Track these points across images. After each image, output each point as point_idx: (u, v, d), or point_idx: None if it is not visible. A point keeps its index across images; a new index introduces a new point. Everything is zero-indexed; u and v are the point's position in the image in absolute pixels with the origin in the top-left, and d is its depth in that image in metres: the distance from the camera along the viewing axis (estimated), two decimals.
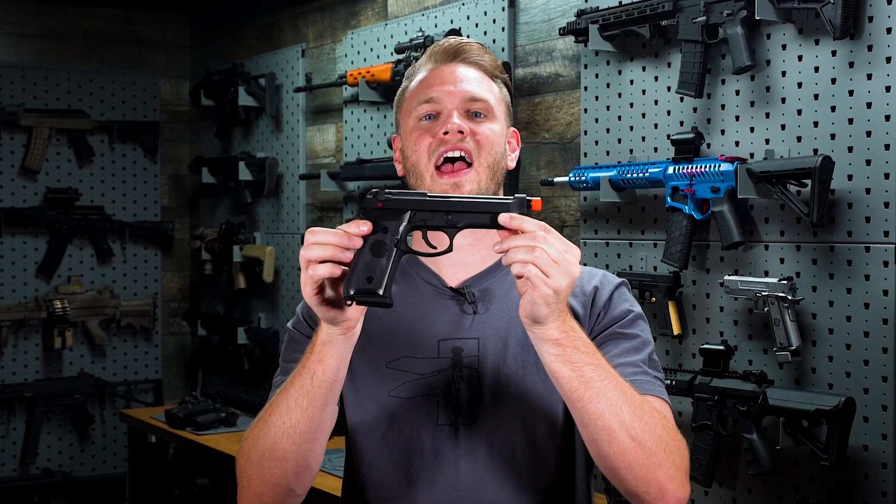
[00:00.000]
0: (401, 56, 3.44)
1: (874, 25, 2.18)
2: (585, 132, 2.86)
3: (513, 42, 3.15)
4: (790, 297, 2.29)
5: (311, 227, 1.41)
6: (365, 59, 3.72)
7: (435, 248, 1.46)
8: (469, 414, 1.58)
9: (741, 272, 2.46)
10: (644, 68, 2.70)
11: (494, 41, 3.16)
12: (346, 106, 3.85)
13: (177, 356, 5.11)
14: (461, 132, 1.59)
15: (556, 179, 2.83)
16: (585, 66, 2.86)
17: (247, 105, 4.35)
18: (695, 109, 2.57)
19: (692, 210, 2.49)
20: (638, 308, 1.63)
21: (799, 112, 2.33)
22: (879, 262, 2.18)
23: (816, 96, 2.29)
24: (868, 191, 2.20)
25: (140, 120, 4.86)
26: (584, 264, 1.70)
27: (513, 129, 1.70)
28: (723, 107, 2.51)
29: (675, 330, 2.59)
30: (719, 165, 2.40)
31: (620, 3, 2.68)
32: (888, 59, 2.15)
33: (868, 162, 2.19)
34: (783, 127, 2.37)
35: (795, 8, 2.27)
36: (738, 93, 2.47)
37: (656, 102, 2.67)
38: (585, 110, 2.85)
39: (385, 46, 3.63)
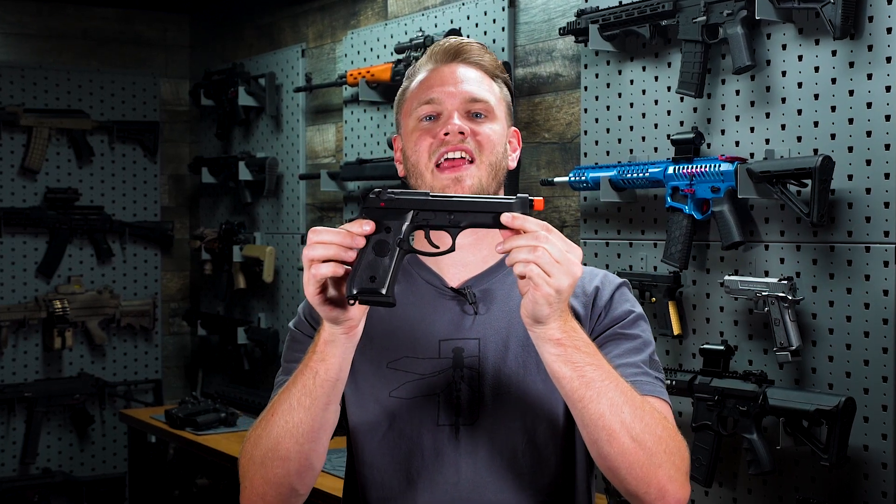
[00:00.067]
0: (401, 56, 3.44)
1: (874, 25, 2.18)
2: (585, 132, 2.86)
3: (513, 42, 3.15)
4: (790, 297, 2.29)
5: (314, 227, 1.41)
6: (365, 59, 3.72)
7: (437, 247, 1.46)
8: (470, 414, 1.58)
9: (741, 272, 2.46)
10: (644, 68, 2.70)
11: (494, 41, 3.16)
12: (345, 106, 3.85)
13: (177, 356, 5.11)
14: (462, 133, 1.59)
15: (556, 179, 2.83)
16: (585, 66, 2.86)
17: (247, 105, 4.35)
18: (695, 109, 2.57)
19: (692, 210, 2.49)
20: (639, 308, 1.63)
21: (799, 112, 2.33)
22: (879, 262, 2.18)
23: (817, 96, 2.29)
24: (868, 191, 2.20)
25: (140, 120, 4.86)
26: (585, 264, 1.70)
27: (513, 128, 1.71)
28: (723, 107, 2.51)
29: (675, 330, 2.59)
30: (719, 165, 2.40)
31: (620, 2, 2.68)
32: (888, 59, 2.15)
33: (868, 162, 2.19)
34: (783, 127, 2.37)
35: (795, 8, 2.27)
36: (738, 93, 2.47)
37: (656, 102, 2.67)
38: (585, 110, 2.85)
39: (385, 46, 3.63)
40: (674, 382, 2.45)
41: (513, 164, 1.68)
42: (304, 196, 4.18)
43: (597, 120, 2.82)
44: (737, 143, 2.47)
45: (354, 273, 1.38)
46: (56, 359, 4.71)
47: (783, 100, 2.37)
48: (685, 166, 2.48)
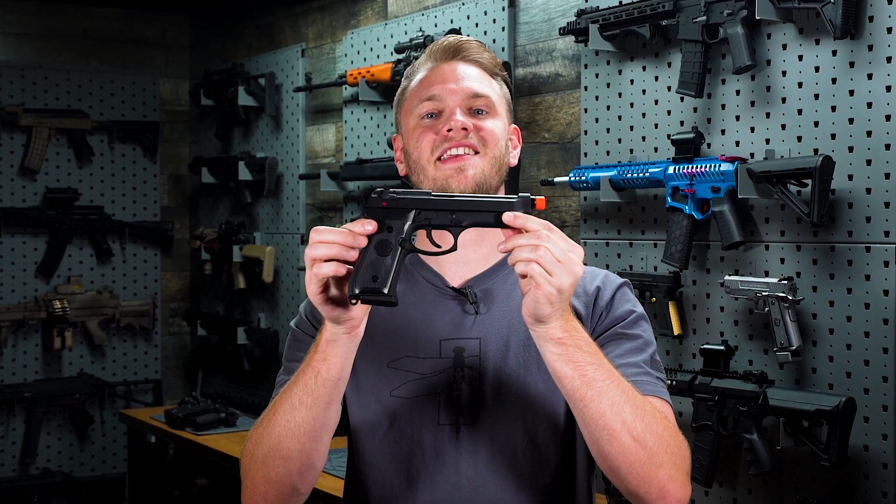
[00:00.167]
0: (401, 56, 3.44)
1: (875, 25, 2.18)
2: (585, 132, 2.86)
3: (513, 42, 3.15)
4: (790, 297, 2.29)
5: (316, 226, 1.41)
6: (365, 59, 3.72)
7: (439, 246, 1.46)
8: (470, 414, 1.58)
9: (741, 272, 2.46)
10: (644, 68, 2.70)
11: (494, 41, 3.16)
12: (345, 106, 3.85)
13: (176, 356, 5.11)
14: (465, 129, 1.59)
15: (557, 179, 2.83)
16: (585, 66, 2.86)
17: (246, 105, 4.35)
18: (695, 109, 2.57)
19: (692, 210, 2.49)
20: (640, 308, 1.63)
21: (799, 112, 2.33)
22: (880, 262, 2.18)
23: (817, 96, 2.29)
24: (868, 191, 2.20)
25: (140, 120, 4.86)
26: (586, 264, 1.70)
27: (514, 126, 1.71)
28: (723, 107, 2.51)
29: (676, 330, 2.59)
30: (719, 165, 2.40)
31: (620, 2, 2.68)
32: (889, 59, 2.15)
33: (868, 162, 2.19)
34: (783, 127, 2.37)
35: (796, 8, 2.27)
36: (738, 92, 2.47)
37: (656, 102, 2.67)
38: (585, 110, 2.85)
39: (385, 46, 3.63)
40: (674, 382, 2.45)
41: (514, 161, 1.68)
42: (304, 196, 4.18)
43: (597, 120, 2.82)
44: (737, 143, 2.47)
45: (356, 272, 1.38)
46: (56, 359, 4.71)
47: (783, 100, 2.37)
48: (685, 166, 2.48)
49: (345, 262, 1.39)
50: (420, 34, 3.38)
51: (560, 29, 2.84)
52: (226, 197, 4.69)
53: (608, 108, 2.79)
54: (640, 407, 1.43)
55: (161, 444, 4.19)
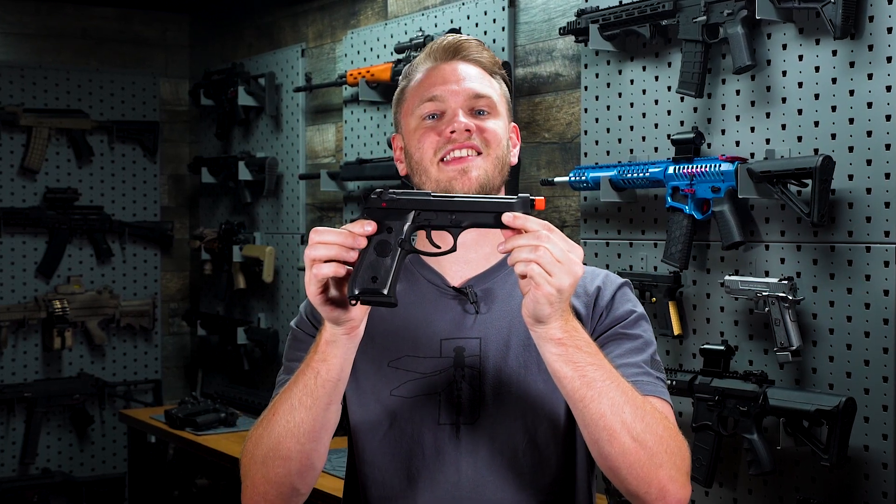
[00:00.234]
0: (401, 56, 3.44)
1: (875, 25, 2.18)
2: (585, 132, 2.86)
3: (513, 42, 3.15)
4: (791, 298, 2.29)
5: (315, 227, 1.41)
6: (365, 59, 3.72)
7: (439, 247, 1.46)
8: (470, 413, 1.58)
9: (742, 272, 2.46)
10: (644, 68, 2.70)
11: (494, 41, 3.16)
12: (345, 106, 3.85)
13: (176, 356, 5.10)
14: (468, 130, 1.59)
15: (557, 179, 2.83)
16: (585, 66, 2.86)
17: (246, 105, 4.35)
18: (695, 109, 2.57)
19: (692, 210, 2.49)
20: (641, 308, 1.63)
21: (799, 112, 2.33)
22: (880, 262, 2.18)
23: (817, 96, 2.29)
24: (869, 191, 2.20)
25: (139, 120, 4.86)
26: (586, 264, 1.70)
27: (513, 124, 1.70)
28: (723, 106, 2.51)
29: (676, 330, 2.59)
30: (720, 165, 2.40)
31: (621, 2, 2.68)
32: (889, 59, 2.15)
33: (869, 162, 2.19)
34: (784, 127, 2.37)
35: (796, 7, 2.27)
36: (738, 92, 2.47)
37: (657, 102, 2.67)
38: (586, 110, 2.85)
39: (385, 46, 3.63)
40: (674, 382, 2.45)
41: (514, 160, 1.69)
42: (303, 196, 4.18)
43: (597, 120, 2.82)
44: (737, 143, 2.47)
45: (356, 273, 1.38)
46: (56, 359, 4.71)
47: (783, 100, 2.37)
48: (685, 166, 2.48)
49: (344, 262, 1.39)
50: (420, 34, 3.38)
51: (560, 29, 2.84)
52: (226, 197, 4.69)
53: (608, 108, 2.79)
54: (639, 407, 1.43)
55: (161, 444, 4.19)
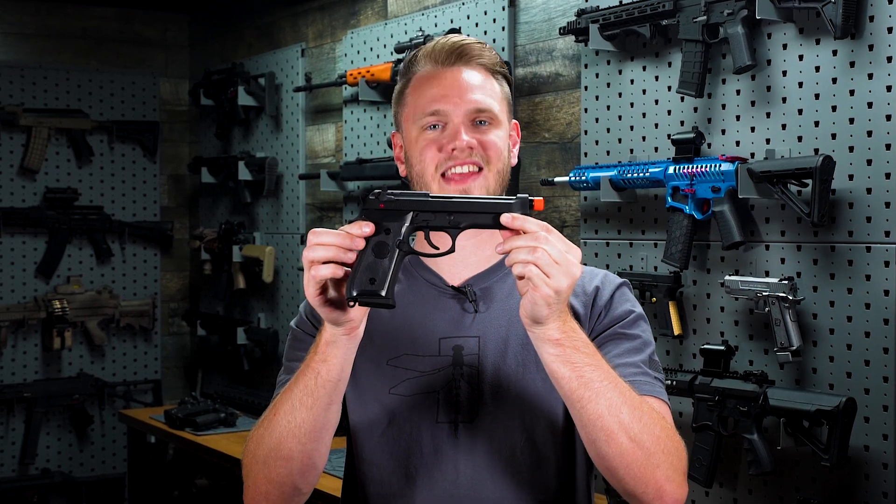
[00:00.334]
0: (401, 56, 3.43)
1: (875, 25, 2.17)
2: (586, 132, 2.85)
3: (513, 41, 3.14)
4: (791, 298, 2.29)
5: (313, 228, 1.41)
6: (365, 59, 3.71)
7: (437, 248, 1.46)
8: (469, 412, 1.58)
9: (742, 272, 2.46)
10: (644, 68, 2.69)
11: (494, 41, 3.16)
12: (345, 106, 3.84)
13: (176, 356, 5.10)
14: (470, 147, 1.59)
15: (557, 179, 2.83)
16: (586, 66, 2.86)
17: (246, 105, 4.34)
18: (695, 109, 2.57)
19: (693, 210, 2.48)
20: (639, 309, 1.62)
21: (800, 112, 2.33)
22: (880, 262, 2.18)
23: (817, 96, 2.29)
24: (869, 191, 2.19)
25: (139, 120, 4.86)
26: (585, 264, 1.70)
27: (513, 121, 1.70)
28: (723, 106, 2.50)
29: (676, 330, 2.59)
30: (720, 165, 2.40)
31: (621, 2, 2.68)
32: (889, 59, 2.15)
33: (869, 162, 2.19)
34: (784, 126, 2.36)
35: (796, 7, 2.27)
36: (738, 92, 2.47)
37: (657, 102, 2.67)
38: (586, 110, 2.85)
39: (385, 46, 3.63)
40: (674, 383, 2.45)
41: (514, 161, 1.68)
42: (303, 196, 4.17)
43: (597, 120, 2.82)
44: (737, 143, 2.47)
45: (354, 275, 1.38)
46: (55, 359, 4.70)
47: (784, 99, 2.36)
48: (685, 166, 2.47)
49: (342, 264, 1.39)
50: (420, 34, 3.38)
51: (560, 29, 2.84)
52: (225, 197, 4.69)
53: (608, 107, 2.79)
54: (637, 408, 1.43)
55: (161, 444, 4.19)
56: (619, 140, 2.76)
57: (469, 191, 1.58)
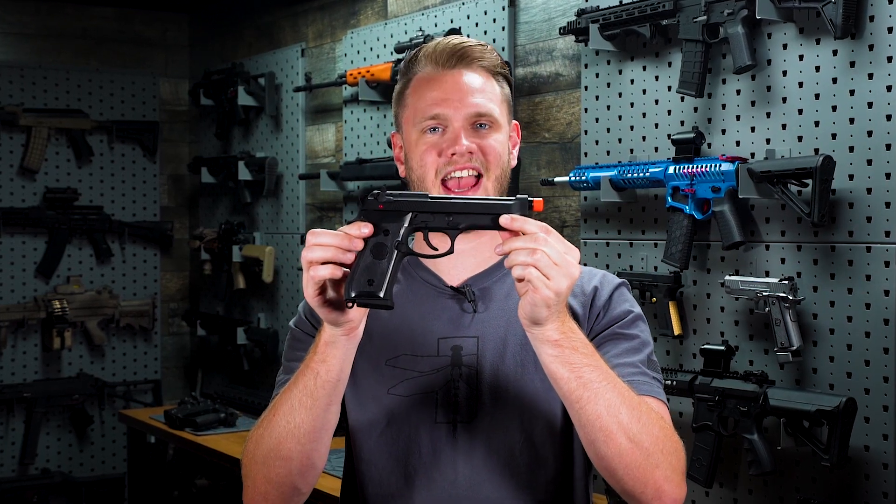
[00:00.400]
0: (401, 56, 3.43)
1: (875, 25, 2.17)
2: (586, 132, 2.85)
3: (513, 41, 3.14)
4: (791, 298, 2.29)
5: (312, 229, 1.41)
6: (365, 59, 3.71)
7: (436, 249, 1.46)
8: (467, 412, 1.58)
9: (742, 272, 2.46)
10: (644, 68, 2.69)
11: (495, 40, 3.16)
12: (345, 105, 3.84)
13: (176, 356, 5.10)
14: (470, 153, 1.59)
15: (557, 179, 2.83)
16: (586, 66, 2.85)
17: (246, 105, 4.34)
18: (695, 109, 2.57)
19: (693, 210, 2.48)
20: (638, 309, 1.62)
21: (800, 112, 2.33)
22: (880, 262, 2.18)
23: (817, 96, 2.29)
24: (869, 191, 2.19)
25: (139, 120, 4.86)
26: (585, 264, 1.70)
27: (514, 122, 1.70)
28: (723, 106, 2.50)
29: (676, 330, 2.58)
30: (720, 165, 2.40)
31: (621, 2, 2.67)
32: (889, 59, 2.15)
33: (869, 162, 2.19)
34: (784, 126, 2.36)
35: (796, 7, 2.27)
36: (738, 92, 2.47)
37: (657, 102, 2.66)
38: (586, 110, 2.85)
39: (385, 46, 3.63)
40: (674, 383, 2.45)
41: (514, 162, 1.68)
42: (303, 196, 4.17)
43: (597, 120, 2.82)
44: (737, 143, 2.47)
45: (352, 276, 1.38)
46: (55, 359, 4.70)
47: (784, 99, 2.36)
48: (686, 166, 2.47)
49: (341, 264, 1.39)
50: (420, 34, 3.37)
51: (560, 28, 2.84)
52: (225, 197, 4.68)
53: (608, 107, 2.78)
54: (636, 408, 1.43)
55: (161, 444, 4.19)
56: (619, 140, 2.75)
57: None
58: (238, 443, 3.54)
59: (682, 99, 2.57)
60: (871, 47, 2.18)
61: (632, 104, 2.72)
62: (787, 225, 2.36)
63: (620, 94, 2.75)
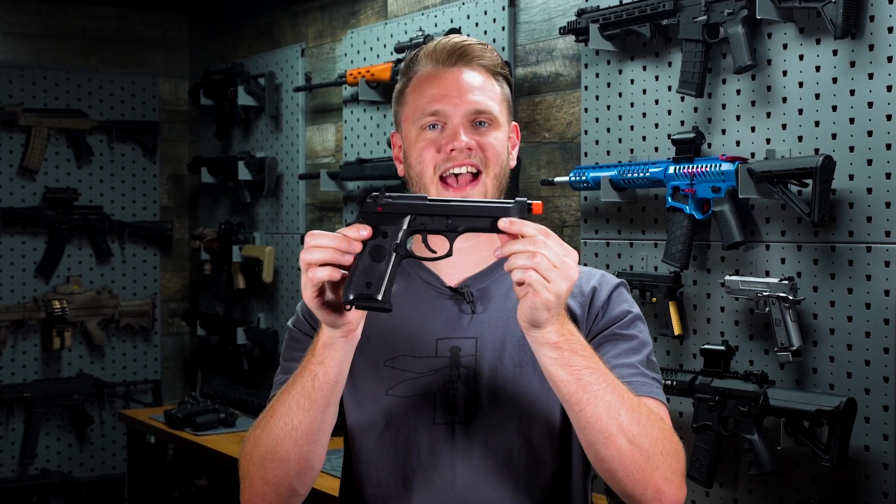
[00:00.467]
0: (401, 55, 3.43)
1: (875, 25, 2.17)
2: (586, 132, 2.85)
3: (513, 41, 3.14)
4: (791, 298, 2.28)
5: (311, 230, 1.41)
6: (365, 59, 3.71)
7: (435, 251, 1.45)
8: (466, 413, 1.57)
9: (742, 272, 2.46)
10: (645, 68, 2.69)
11: (495, 40, 3.16)
12: (345, 105, 3.84)
13: (176, 356, 5.10)
14: (469, 149, 1.58)
15: (557, 179, 2.83)
16: (586, 66, 2.85)
17: (246, 105, 4.34)
18: (695, 109, 2.56)
19: (693, 210, 2.48)
20: (637, 309, 1.62)
21: (800, 111, 2.33)
22: (881, 262, 2.18)
23: (818, 96, 2.29)
24: (869, 191, 2.19)
25: (139, 119, 4.86)
26: (585, 265, 1.69)
27: (513, 123, 1.70)
28: (724, 106, 2.50)
29: (676, 330, 2.58)
30: (720, 165, 2.40)
31: (621, 2, 2.67)
32: (889, 59, 2.15)
33: (869, 162, 2.19)
34: (784, 126, 2.36)
35: (796, 7, 2.26)
36: (738, 92, 2.46)
37: (657, 102, 2.66)
38: (586, 110, 2.85)
39: (385, 46, 3.62)
40: (674, 383, 2.45)
41: (513, 163, 1.68)
42: (303, 196, 4.17)
43: (597, 119, 2.81)
44: (737, 143, 2.47)
45: (351, 278, 1.38)
46: (55, 359, 4.70)
47: (784, 99, 2.36)
48: (686, 166, 2.47)
49: (339, 266, 1.39)
50: (420, 34, 3.37)
51: (560, 28, 2.83)
52: (225, 197, 4.68)
53: (608, 107, 2.78)
54: (635, 410, 1.43)
55: (160, 444, 4.19)
56: (620, 140, 2.75)
57: (467, 196, 1.58)
58: (238, 443, 3.53)
59: (683, 99, 2.57)
60: (871, 47, 2.18)
61: (632, 104, 2.72)
62: (788, 225, 2.36)
63: (620, 94, 2.75)
